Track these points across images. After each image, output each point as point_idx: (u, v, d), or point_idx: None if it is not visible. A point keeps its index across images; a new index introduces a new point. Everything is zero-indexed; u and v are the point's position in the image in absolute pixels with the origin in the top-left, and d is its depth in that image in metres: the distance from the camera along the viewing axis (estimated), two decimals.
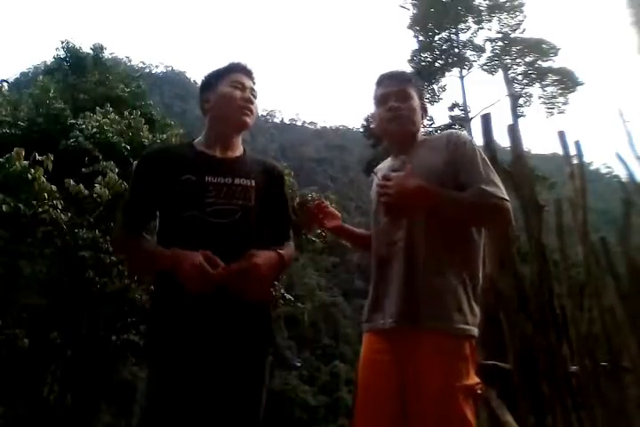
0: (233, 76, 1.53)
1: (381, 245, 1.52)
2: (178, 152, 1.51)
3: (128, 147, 7.28)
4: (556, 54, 16.13)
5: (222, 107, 1.50)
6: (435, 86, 16.88)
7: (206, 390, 1.30)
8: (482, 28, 16.67)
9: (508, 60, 16.60)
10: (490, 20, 16.54)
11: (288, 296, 9.46)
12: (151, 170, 1.45)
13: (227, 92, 1.50)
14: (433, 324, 1.36)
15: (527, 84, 16.45)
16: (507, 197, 1.45)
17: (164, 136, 7.79)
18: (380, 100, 1.61)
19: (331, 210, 1.75)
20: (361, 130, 17.48)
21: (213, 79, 1.56)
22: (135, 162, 1.62)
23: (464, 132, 1.67)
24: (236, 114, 1.49)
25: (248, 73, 1.57)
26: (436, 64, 16.63)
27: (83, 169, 6.31)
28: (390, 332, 1.42)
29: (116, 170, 6.29)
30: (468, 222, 1.48)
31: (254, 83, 1.58)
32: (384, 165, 1.71)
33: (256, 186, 1.47)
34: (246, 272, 1.30)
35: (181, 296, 1.30)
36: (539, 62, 16.24)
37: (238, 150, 1.55)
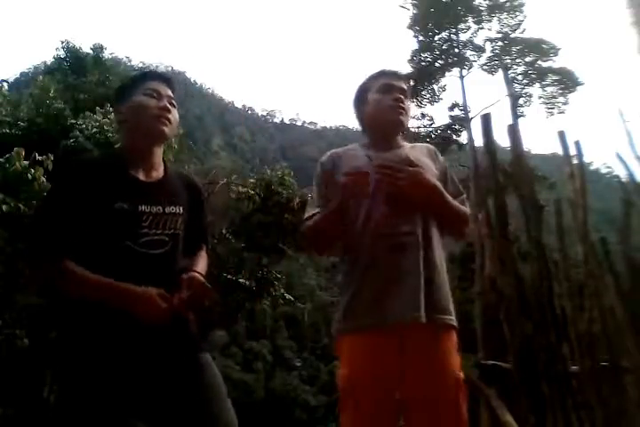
0: (147, 84, 1.44)
1: (382, 237, 1.46)
2: (109, 173, 1.37)
3: None
4: (556, 54, 16.12)
5: (136, 116, 1.41)
6: (435, 86, 16.87)
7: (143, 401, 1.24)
8: (482, 28, 16.64)
9: (508, 60, 16.59)
10: (490, 20, 16.52)
11: (288, 296, 9.46)
12: (81, 188, 1.31)
13: (140, 100, 1.41)
14: (443, 317, 1.44)
15: (527, 84, 16.44)
16: None
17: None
18: (385, 89, 1.62)
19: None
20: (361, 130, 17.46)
21: (127, 89, 1.48)
22: (63, 165, 1.47)
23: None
24: (151, 123, 1.39)
25: (165, 80, 1.49)
26: (436, 64, 16.61)
27: None
28: (397, 327, 1.40)
29: None
30: (446, 226, 1.59)
31: (173, 90, 1.49)
32: (351, 153, 1.64)
33: (183, 211, 1.43)
34: (196, 294, 1.31)
35: (117, 316, 1.25)
36: (539, 62, 16.23)
37: (161, 167, 1.47)
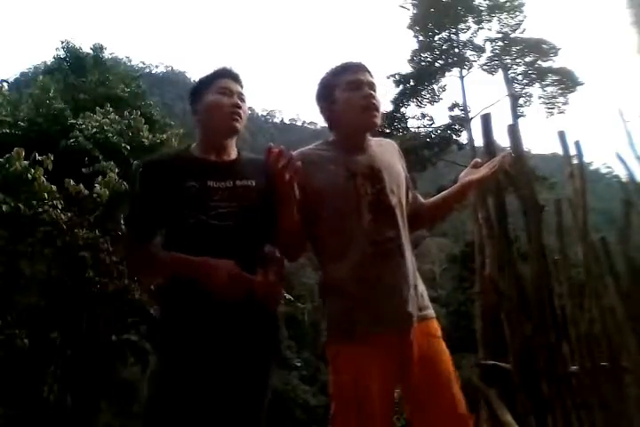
0: (219, 83, 1.54)
1: (369, 244, 1.44)
2: (177, 160, 1.54)
3: (128, 147, 7.29)
4: (556, 54, 16.14)
5: (211, 115, 1.52)
6: (435, 86, 16.89)
7: (210, 390, 1.32)
8: (482, 28, 16.67)
9: (508, 60, 16.60)
10: (490, 20, 16.53)
11: (288, 296, 9.46)
12: (154, 179, 1.46)
13: (213, 100, 1.51)
14: (426, 313, 1.50)
15: (527, 84, 16.45)
16: None
17: (164, 136, 7.80)
18: (353, 86, 1.53)
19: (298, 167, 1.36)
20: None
21: (200, 88, 1.58)
22: (136, 168, 1.68)
23: None
24: (224, 121, 1.50)
25: (234, 78, 1.58)
26: (436, 64, 16.62)
27: (83, 169, 6.32)
28: (395, 331, 1.41)
29: (116, 170, 6.31)
30: (422, 224, 1.71)
31: (242, 86, 1.58)
32: (324, 158, 1.54)
33: (256, 186, 1.48)
34: (276, 282, 1.37)
35: (198, 297, 1.34)
36: (539, 62, 16.24)
37: (234, 153, 1.57)
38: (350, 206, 1.47)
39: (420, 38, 16.74)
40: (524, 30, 16.42)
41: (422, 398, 1.39)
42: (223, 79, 1.55)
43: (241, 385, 1.36)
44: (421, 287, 1.54)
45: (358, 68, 1.57)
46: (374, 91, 1.55)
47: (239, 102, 1.52)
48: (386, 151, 1.64)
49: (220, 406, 1.34)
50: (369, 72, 1.59)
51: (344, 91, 1.54)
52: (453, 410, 1.38)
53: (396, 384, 1.44)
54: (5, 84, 9.75)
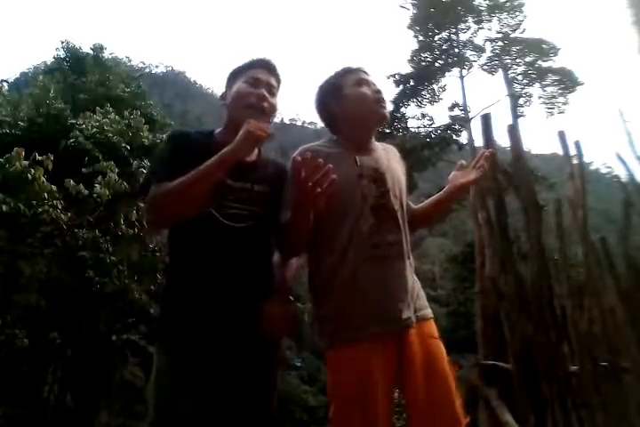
0: (251, 72, 1.50)
1: (369, 247, 1.43)
2: (205, 144, 1.43)
3: (128, 147, 7.29)
4: (556, 54, 16.10)
5: (234, 104, 1.48)
6: (435, 86, 16.85)
7: (218, 384, 1.31)
8: (482, 28, 16.64)
9: (508, 60, 16.58)
10: (490, 20, 16.51)
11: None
12: (182, 150, 1.39)
13: (240, 88, 1.47)
14: (423, 313, 1.50)
15: (527, 84, 16.43)
16: None
17: (164, 136, 7.80)
18: (361, 82, 1.57)
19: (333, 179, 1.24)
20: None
21: (233, 75, 1.54)
22: (167, 135, 1.59)
23: None
24: (244, 111, 1.43)
25: (269, 68, 1.53)
26: (436, 64, 16.60)
27: (83, 169, 6.32)
28: (393, 333, 1.42)
29: (116, 170, 6.30)
30: (415, 228, 1.67)
31: (277, 79, 1.54)
32: (333, 155, 1.48)
33: (271, 193, 1.46)
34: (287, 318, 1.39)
35: (201, 290, 1.34)
36: (539, 62, 16.21)
37: (255, 152, 1.51)
38: (354, 207, 1.45)
39: (420, 38, 16.72)
40: (524, 30, 16.41)
41: (420, 399, 1.40)
42: (257, 69, 1.51)
43: (247, 383, 1.34)
44: (418, 288, 1.54)
45: (362, 70, 1.62)
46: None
47: (266, 94, 1.47)
48: (389, 156, 1.64)
49: (228, 404, 1.32)
50: (369, 75, 1.64)
51: (353, 87, 1.56)
52: (448, 412, 1.38)
53: (395, 385, 1.44)
54: (5, 84, 9.75)
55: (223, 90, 1.58)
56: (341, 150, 1.53)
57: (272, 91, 1.51)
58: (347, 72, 1.60)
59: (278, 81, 1.55)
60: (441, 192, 1.66)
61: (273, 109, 1.50)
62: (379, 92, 1.57)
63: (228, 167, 1.29)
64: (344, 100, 1.56)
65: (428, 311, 1.53)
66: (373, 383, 1.35)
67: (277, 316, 1.36)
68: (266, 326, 1.33)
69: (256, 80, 1.48)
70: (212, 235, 1.35)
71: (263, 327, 1.33)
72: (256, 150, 1.51)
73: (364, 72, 1.62)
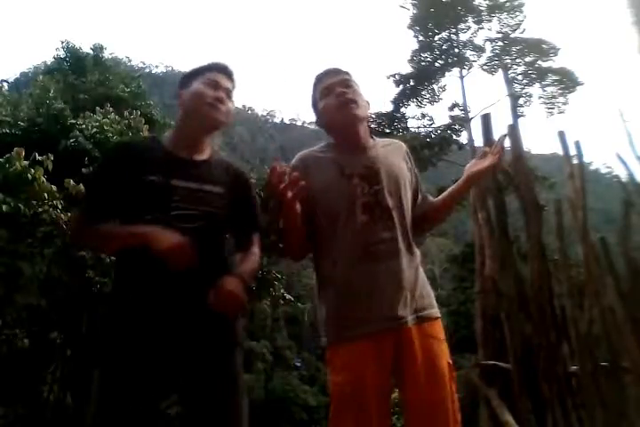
0: (209, 75, 1.50)
1: (362, 245, 1.45)
2: (145, 150, 1.46)
3: None
4: (556, 54, 16.11)
5: (192, 102, 1.47)
6: (435, 86, 16.87)
7: (163, 393, 1.28)
8: (482, 28, 16.64)
9: (508, 60, 16.58)
10: (490, 20, 16.51)
11: (288, 296, 9.46)
12: (116, 167, 1.39)
13: (198, 88, 1.47)
14: (426, 313, 1.48)
15: (527, 84, 16.43)
16: None
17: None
18: (325, 93, 1.58)
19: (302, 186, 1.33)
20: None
21: (190, 77, 1.53)
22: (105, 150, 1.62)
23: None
24: (204, 110, 1.44)
25: (227, 73, 1.54)
26: (436, 64, 16.60)
27: (83, 169, 6.31)
28: (389, 332, 1.41)
29: None
30: (432, 222, 1.69)
31: (233, 84, 1.54)
32: (321, 160, 1.57)
33: (223, 193, 1.44)
34: (236, 292, 1.29)
35: (146, 293, 1.30)
36: (539, 62, 16.22)
37: (206, 153, 1.50)
38: (343, 207, 1.47)
39: (420, 38, 16.72)
40: (524, 30, 16.42)
41: (418, 399, 1.40)
42: (214, 72, 1.51)
43: (201, 371, 1.30)
44: (423, 286, 1.52)
45: (327, 74, 1.63)
46: (349, 86, 1.58)
47: (223, 96, 1.47)
48: (391, 152, 1.63)
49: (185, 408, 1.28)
50: (341, 73, 1.63)
51: (321, 100, 1.60)
52: (445, 412, 1.38)
53: (391, 383, 1.43)
54: (5, 84, 9.76)
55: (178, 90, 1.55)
56: (331, 154, 1.59)
57: (229, 95, 1.51)
58: (318, 81, 1.63)
59: (234, 87, 1.55)
60: (458, 181, 1.63)
61: (229, 114, 1.50)
62: (340, 94, 1.55)
63: (136, 243, 1.28)
64: (320, 113, 1.63)
65: (434, 311, 1.50)
66: (366, 382, 1.36)
67: (229, 288, 1.29)
68: (217, 298, 1.27)
69: (215, 83, 1.48)
70: None
71: (214, 298, 1.27)
72: (208, 151, 1.51)
73: (333, 74, 1.61)
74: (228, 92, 1.51)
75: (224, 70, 1.54)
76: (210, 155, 1.52)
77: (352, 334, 1.41)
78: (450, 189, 1.65)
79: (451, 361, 1.45)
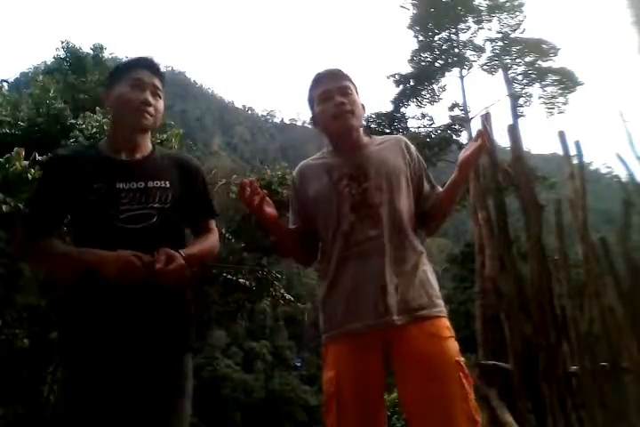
0: (133, 74, 1.44)
1: (351, 244, 1.47)
2: (84, 158, 1.43)
3: None
4: (556, 54, 16.11)
5: (119, 109, 1.44)
6: (435, 86, 16.88)
7: (118, 393, 1.26)
8: (482, 28, 16.65)
9: (508, 60, 16.58)
10: (490, 20, 16.51)
11: (288, 296, 9.46)
12: (59, 177, 1.38)
13: (123, 93, 1.42)
14: (422, 313, 1.44)
15: (527, 84, 16.43)
16: None
17: (164, 136, 7.79)
18: (323, 98, 1.59)
19: (263, 193, 1.43)
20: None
21: (114, 77, 1.49)
22: (45, 161, 1.61)
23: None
24: (133, 116, 1.41)
25: (152, 69, 1.48)
26: (436, 64, 16.61)
27: None
28: (377, 332, 1.41)
29: None
30: (442, 215, 1.63)
31: (160, 79, 1.49)
32: (314, 169, 1.63)
33: (171, 185, 1.43)
34: (176, 265, 1.28)
35: (96, 290, 1.29)
36: (539, 62, 16.22)
37: (146, 150, 1.48)
38: (332, 211, 1.51)
39: (420, 38, 16.73)
40: (524, 30, 16.43)
41: (414, 398, 1.40)
42: (140, 69, 1.46)
43: (148, 384, 1.29)
44: (422, 286, 1.49)
45: (327, 77, 1.62)
46: (347, 94, 1.59)
47: (149, 98, 1.43)
48: (385, 148, 1.63)
49: (130, 409, 1.27)
50: (341, 76, 1.62)
51: (318, 104, 1.61)
52: (443, 412, 1.37)
53: (381, 382, 1.42)
54: (5, 84, 9.73)
55: (105, 90, 1.53)
56: (325, 160, 1.64)
57: (157, 92, 1.47)
58: (316, 83, 1.63)
59: (162, 81, 1.51)
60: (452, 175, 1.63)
61: (158, 113, 1.47)
62: (339, 104, 1.55)
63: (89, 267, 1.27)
64: (316, 116, 1.64)
65: (435, 310, 1.47)
66: (346, 381, 1.39)
67: (172, 258, 1.28)
68: (159, 269, 1.26)
69: (140, 82, 1.43)
70: (111, 241, 1.30)
71: (156, 270, 1.26)
72: (148, 148, 1.49)
73: (332, 78, 1.61)
74: (155, 89, 1.46)
75: (149, 66, 1.49)
76: (150, 151, 1.49)
77: (337, 332, 1.46)
78: (448, 181, 1.65)
79: (460, 359, 1.42)
